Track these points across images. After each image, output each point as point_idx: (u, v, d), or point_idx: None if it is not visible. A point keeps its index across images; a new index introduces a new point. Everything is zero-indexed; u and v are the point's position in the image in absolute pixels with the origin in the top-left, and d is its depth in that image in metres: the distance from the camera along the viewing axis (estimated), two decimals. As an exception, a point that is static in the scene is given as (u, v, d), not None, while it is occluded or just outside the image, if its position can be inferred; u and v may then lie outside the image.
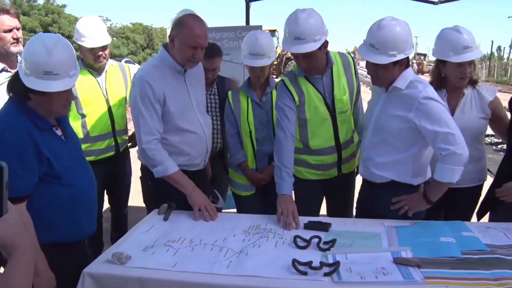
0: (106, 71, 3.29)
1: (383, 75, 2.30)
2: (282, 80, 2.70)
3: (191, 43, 2.40)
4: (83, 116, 3.17)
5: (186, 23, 2.39)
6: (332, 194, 2.94)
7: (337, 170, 2.80)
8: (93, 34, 3.12)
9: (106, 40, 3.19)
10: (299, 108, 2.66)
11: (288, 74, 2.74)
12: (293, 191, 2.55)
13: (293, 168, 2.60)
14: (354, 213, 2.78)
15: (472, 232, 2.11)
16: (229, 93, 3.05)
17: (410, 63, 2.34)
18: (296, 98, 2.63)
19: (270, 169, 2.93)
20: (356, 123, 2.89)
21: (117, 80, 3.37)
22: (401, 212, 2.35)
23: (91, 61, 3.16)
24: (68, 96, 2.03)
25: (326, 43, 2.53)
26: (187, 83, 2.59)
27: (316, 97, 2.65)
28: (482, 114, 2.68)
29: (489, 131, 2.88)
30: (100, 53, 3.18)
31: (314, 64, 2.57)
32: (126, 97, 3.40)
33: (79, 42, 3.13)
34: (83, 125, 3.17)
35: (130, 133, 3.50)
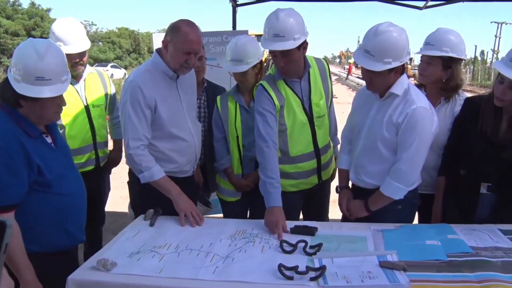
0: (85, 79, 3.11)
1: (378, 82, 2.27)
2: (261, 84, 2.63)
3: (185, 48, 2.37)
4: (61, 127, 2.88)
5: (181, 29, 2.37)
6: (308, 202, 2.91)
7: (317, 177, 2.78)
8: (70, 39, 2.92)
9: (85, 45, 3.00)
10: (279, 113, 2.61)
11: (266, 77, 2.67)
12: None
13: (279, 177, 2.51)
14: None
15: (457, 235, 2.13)
16: (218, 98, 3.02)
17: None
18: (277, 102, 2.57)
19: (255, 175, 2.90)
20: (330, 129, 2.88)
21: (96, 88, 3.20)
22: (352, 216, 2.47)
23: None
24: (60, 102, 2.01)
25: (305, 44, 2.50)
26: (179, 89, 2.57)
27: (295, 102, 2.62)
28: (451, 126, 2.60)
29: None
30: (77, 60, 2.98)
31: (292, 65, 2.53)
32: (106, 106, 3.24)
33: None
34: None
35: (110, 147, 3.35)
